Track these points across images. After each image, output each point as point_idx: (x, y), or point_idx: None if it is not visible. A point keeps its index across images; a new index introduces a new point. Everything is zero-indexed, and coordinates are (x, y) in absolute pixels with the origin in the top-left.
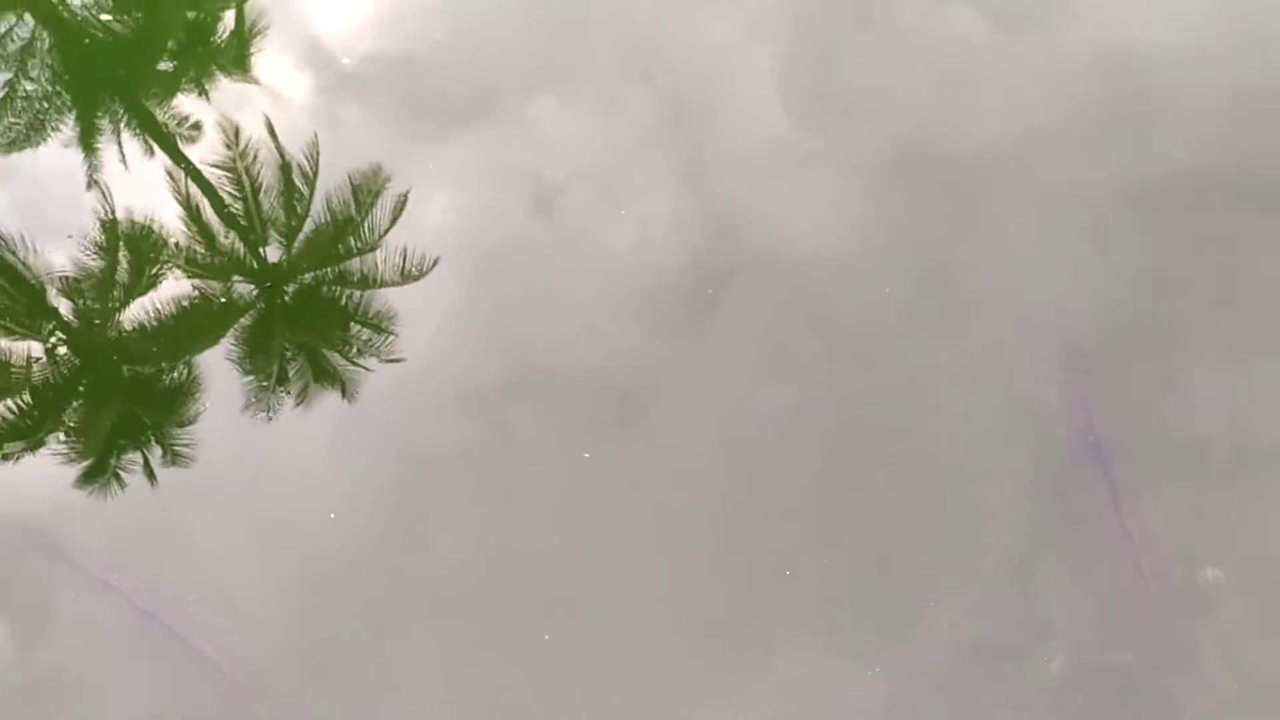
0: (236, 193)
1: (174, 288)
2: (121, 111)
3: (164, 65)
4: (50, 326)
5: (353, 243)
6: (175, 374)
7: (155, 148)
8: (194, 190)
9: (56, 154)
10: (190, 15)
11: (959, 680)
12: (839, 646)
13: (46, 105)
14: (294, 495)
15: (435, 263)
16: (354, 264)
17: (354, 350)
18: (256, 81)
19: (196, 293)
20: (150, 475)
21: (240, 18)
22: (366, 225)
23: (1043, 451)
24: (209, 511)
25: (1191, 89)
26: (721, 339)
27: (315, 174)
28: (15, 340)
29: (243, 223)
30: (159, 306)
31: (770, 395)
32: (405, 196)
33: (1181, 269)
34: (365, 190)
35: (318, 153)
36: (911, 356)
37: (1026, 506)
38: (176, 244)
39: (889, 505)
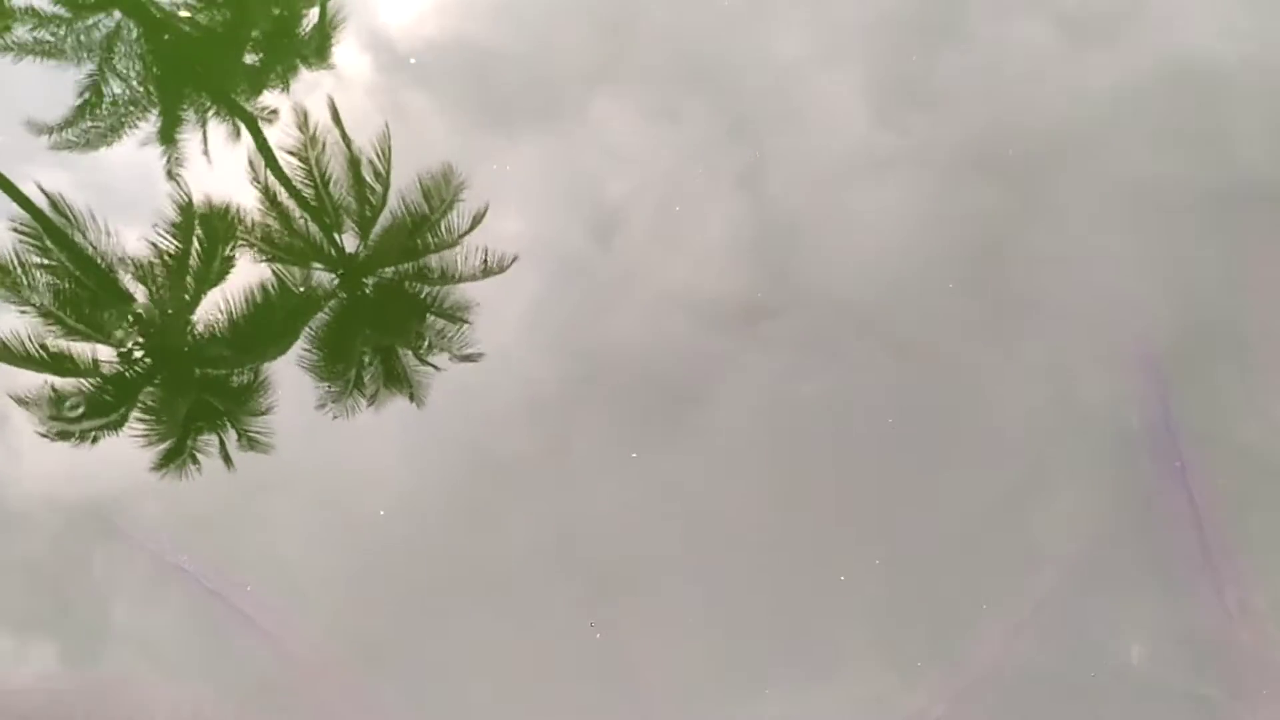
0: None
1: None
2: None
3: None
4: (129, 311)
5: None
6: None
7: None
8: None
9: (133, 146)
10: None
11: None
12: (892, 655)
13: (133, 101)
14: (354, 483)
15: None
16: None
17: (427, 347)
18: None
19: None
20: (227, 459)
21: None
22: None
23: (1123, 472)
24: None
25: None
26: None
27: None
28: (88, 333)
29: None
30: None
31: (832, 397)
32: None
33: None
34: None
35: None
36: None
37: (1103, 526)
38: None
39: (952, 515)
